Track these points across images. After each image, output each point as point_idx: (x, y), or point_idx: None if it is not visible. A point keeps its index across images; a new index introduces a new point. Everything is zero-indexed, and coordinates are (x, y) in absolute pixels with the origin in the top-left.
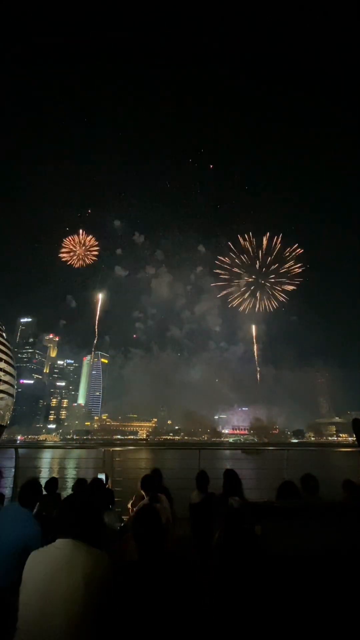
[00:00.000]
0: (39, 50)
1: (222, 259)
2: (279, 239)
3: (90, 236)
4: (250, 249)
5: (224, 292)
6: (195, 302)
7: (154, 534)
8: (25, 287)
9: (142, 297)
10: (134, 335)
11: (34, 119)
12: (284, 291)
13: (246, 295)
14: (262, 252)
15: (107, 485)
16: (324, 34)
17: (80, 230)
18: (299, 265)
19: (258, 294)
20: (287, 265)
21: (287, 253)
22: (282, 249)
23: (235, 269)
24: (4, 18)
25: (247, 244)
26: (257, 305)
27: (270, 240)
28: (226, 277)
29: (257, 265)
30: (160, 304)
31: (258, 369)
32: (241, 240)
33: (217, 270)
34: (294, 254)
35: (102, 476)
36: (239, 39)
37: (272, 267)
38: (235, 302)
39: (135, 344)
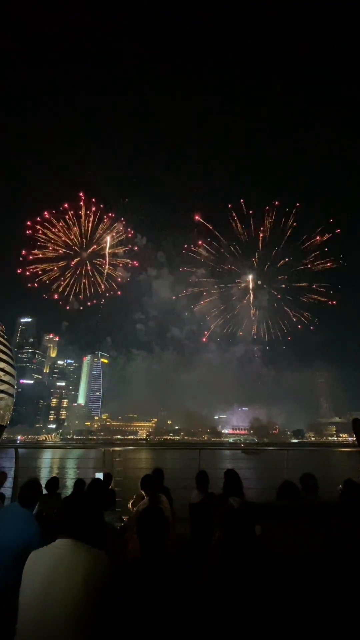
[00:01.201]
0: (40, 57)
1: (195, 248)
2: (293, 215)
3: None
4: (241, 230)
5: (202, 303)
6: (196, 303)
7: (159, 534)
8: (25, 287)
9: (143, 298)
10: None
11: (34, 123)
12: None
13: (237, 309)
14: (263, 233)
15: (109, 486)
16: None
17: (81, 195)
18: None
19: (254, 310)
20: (313, 257)
21: (314, 238)
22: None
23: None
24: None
25: (238, 224)
26: (257, 326)
27: (276, 216)
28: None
29: (256, 257)
30: (161, 305)
31: (258, 369)
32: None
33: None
34: (324, 236)
35: (99, 475)
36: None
37: (283, 259)
38: (218, 322)
39: (136, 345)
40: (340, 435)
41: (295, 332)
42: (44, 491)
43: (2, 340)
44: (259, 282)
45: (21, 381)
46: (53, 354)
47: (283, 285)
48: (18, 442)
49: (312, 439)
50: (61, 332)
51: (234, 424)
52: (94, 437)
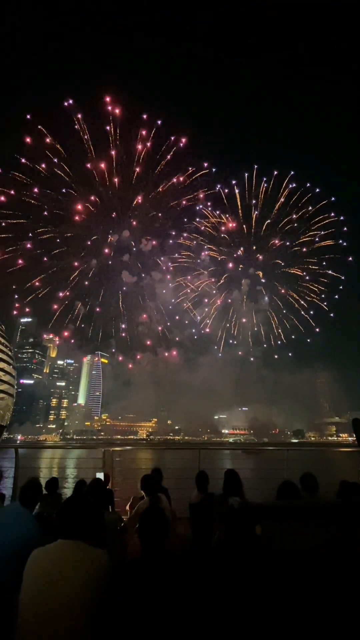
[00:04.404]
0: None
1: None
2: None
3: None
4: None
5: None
6: (197, 305)
7: (159, 534)
8: (26, 286)
9: (146, 301)
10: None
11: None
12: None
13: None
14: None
15: (107, 486)
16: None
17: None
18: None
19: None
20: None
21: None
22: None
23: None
24: None
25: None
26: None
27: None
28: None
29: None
30: (163, 307)
31: (258, 369)
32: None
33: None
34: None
35: (100, 475)
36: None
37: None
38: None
39: (138, 346)
40: (340, 435)
41: (294, 331)
42: (44, 491)
43: (2, 340)
44: (256, 272)
45: (21, 381)
46: (53, 354)
47: (279, 270)
48: (18, 442)
49: (312, 438)
50: (62, 333)
51: (233, 424)
52: (92, 437)
